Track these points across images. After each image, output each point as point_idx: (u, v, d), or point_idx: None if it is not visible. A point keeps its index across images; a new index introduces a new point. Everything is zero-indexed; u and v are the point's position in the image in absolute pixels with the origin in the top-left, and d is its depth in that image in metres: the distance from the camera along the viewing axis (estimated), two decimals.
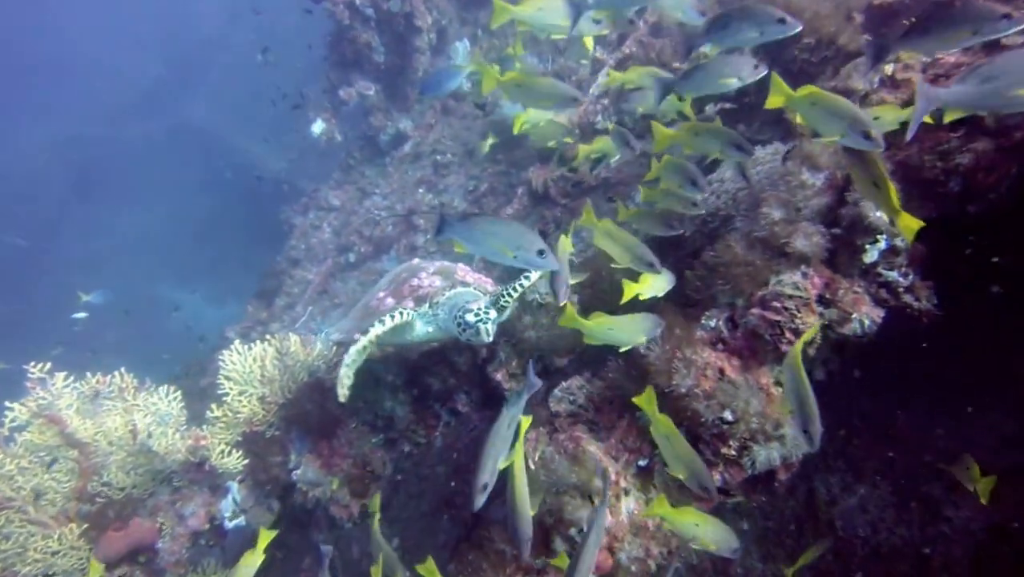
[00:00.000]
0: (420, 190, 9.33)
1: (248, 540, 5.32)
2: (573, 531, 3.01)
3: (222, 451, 4.56)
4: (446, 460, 6.30)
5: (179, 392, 4.81)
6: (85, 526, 4.54)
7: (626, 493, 3.25)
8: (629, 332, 3.19)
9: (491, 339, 3.66)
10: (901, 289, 3.50)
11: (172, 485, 4.82)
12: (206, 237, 21.57)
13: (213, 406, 4.63)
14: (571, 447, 3.36)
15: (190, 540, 4.79)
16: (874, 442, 4.86)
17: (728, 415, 3.06)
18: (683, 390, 3.08)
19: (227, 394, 4.69)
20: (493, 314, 3.70)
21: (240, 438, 4.72)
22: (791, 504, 4.96)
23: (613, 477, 3.17)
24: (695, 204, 3.62)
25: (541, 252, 2.96)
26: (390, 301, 4.17)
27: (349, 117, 10.34)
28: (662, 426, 2.87)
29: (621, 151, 4.74)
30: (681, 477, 2.89)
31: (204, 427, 4.74)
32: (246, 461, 4.64)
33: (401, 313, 3.96)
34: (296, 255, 10.21)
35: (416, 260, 4.76)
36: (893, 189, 2.83)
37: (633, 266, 3.50)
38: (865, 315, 3.41)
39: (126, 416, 4.56)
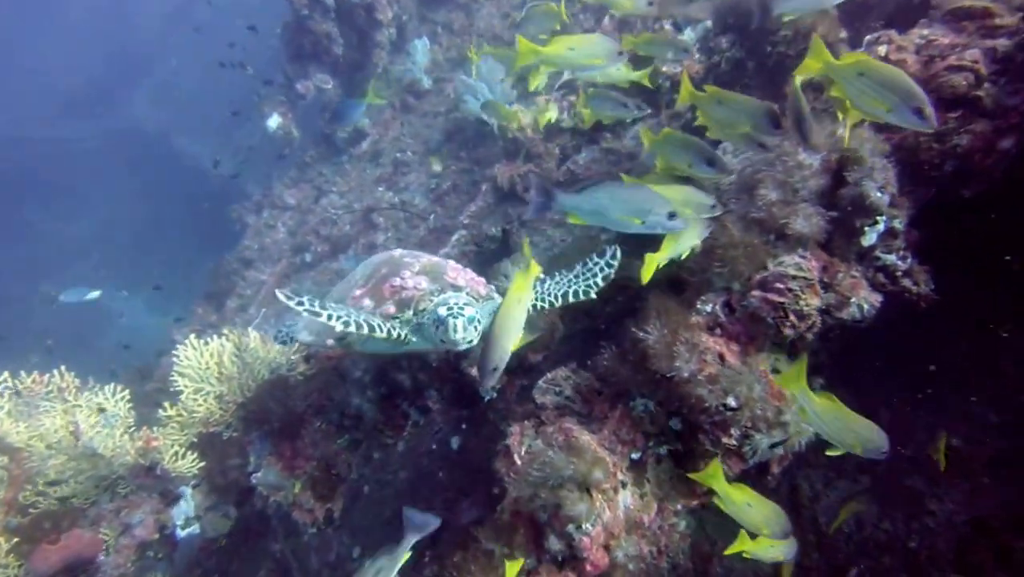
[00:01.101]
0: (380, 188, 9.03)
1: (201, 546, 4.93)
2: (571, 528, 2.79)
3: (175, 453, 4.19)
4: (409, 465, 6.02)
5: (127, 391, 4.40)
6: (15, 540, 4.08)
7: (623, 486, 3.05)
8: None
9: (462, 338, 3.05)
10: (899, 273, 3.43)
11: (117, 492, 4.40)
12: (149, 242, 20.67)
13: (166, 404, 4.25)
14: (562, 439, 3.14)
15: (137, 552, 4.37)
16: None
17: (732, 401, 2.91)
18: (686, 375, 2.91)
19: (181, 392, 4.31)
20: (470, 311, 3.11)
21: (195, 439, 4.35)
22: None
23: (611, 469, 2.97)
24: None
25: (672, 215, 2.73)
26: (368, 303, 3.58)
27: (306, 112, 9.96)
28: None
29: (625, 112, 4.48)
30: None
31: (156, 429, 4.36)
32: (202, 464, 4.27)
33: (391, 329, 3.31)
34: (249, 255, 9.76)
35: (397, 251, 4.05)
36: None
37: (693, 170, 3.25)
38: (864, 299, 3.32)
39: (67, 417, 4.14)
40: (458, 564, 2.95)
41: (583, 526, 2.78)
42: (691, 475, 3.04)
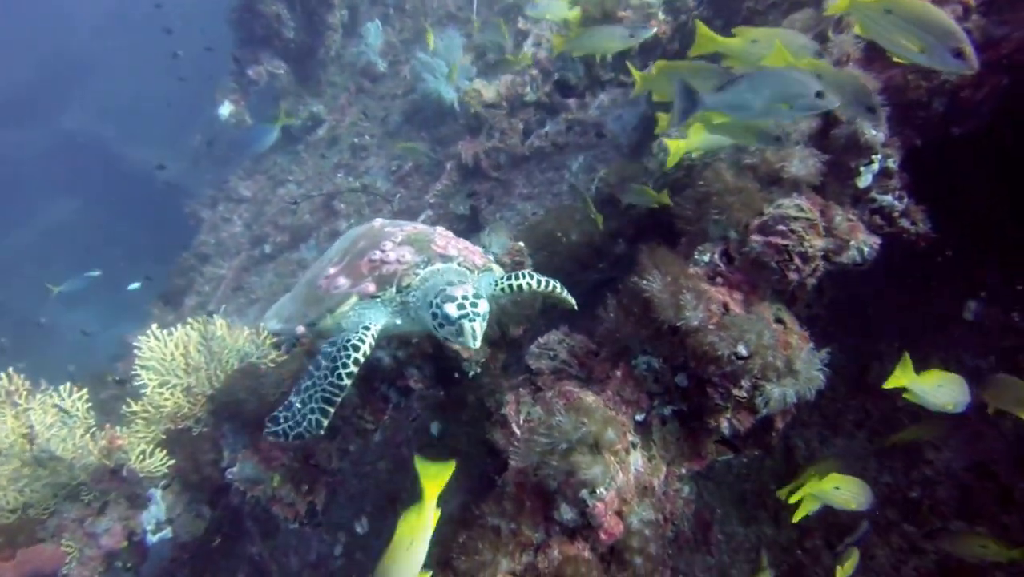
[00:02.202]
0: (339, 174, 8.72)
1: (174, 554, 4.61)
2: (585, 493, 2.61)
3: (143, 452, 3.88)
4: (388, 455, 5.79)
5: (84, 389, 4.07)
6: None
7: (634, 447, 2.89)
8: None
9: (479, 343, 2.71)
10: (896, 214, 3.35)
11: (80, 499, 4.06)
12: (96, 251, 19.78)
13: (130, 400, 3.93)
14: (563, 403, 2.96)
15: (103, 563, 4.05)
16: (848, 394, 4.76)
17: (742, 349, 2.76)
18: (695, 323, 2.76)
19: (145, 387, 4.00)
20: (484, 307, 2.73)
21: (163, 436, 4.04)
22: (768, 464, 4.78)
23: (623, 428, 2.80)
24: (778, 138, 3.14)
25: (820, 94, 2.52)
26: (343, 282, 3.16)
27: (260, 99, 9.56)
28: None
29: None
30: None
31: (121, 429, 4.04)
32: (171, 462, 3.97)
33: (361, 342, 2.95)
34: (206, 251, 9.33)
35: (378, 221, 3.55)
36: None
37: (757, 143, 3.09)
38: (863, 242, 3.22)
39: (18, 420, 3.79)
40: (465, 545, 2.74)
41: (598, 491, 2.60)
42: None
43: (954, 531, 3.82)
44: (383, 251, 3.15)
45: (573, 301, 3.45)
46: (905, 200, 3.34)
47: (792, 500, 3.33)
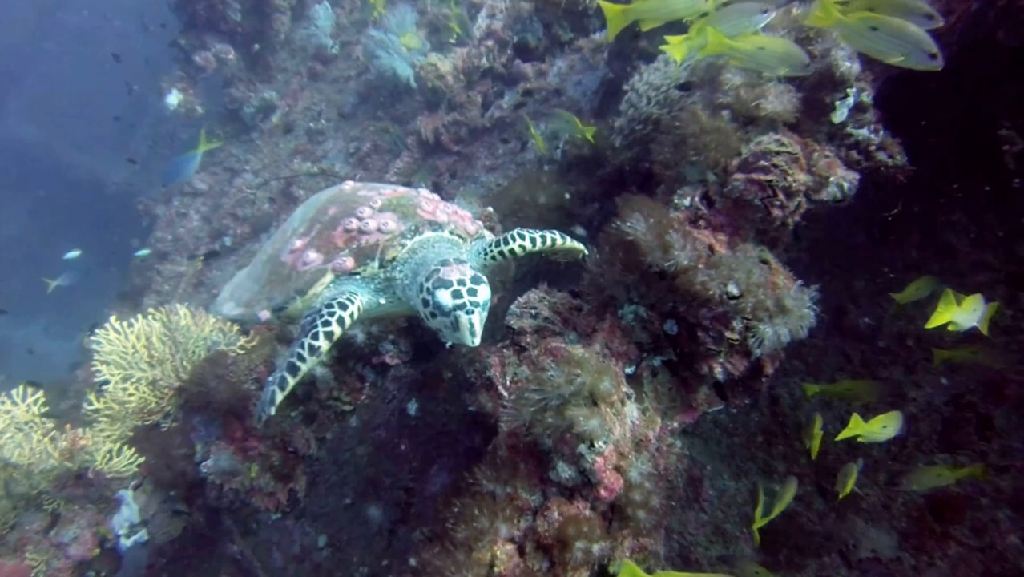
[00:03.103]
0: (296, 161, 8.46)
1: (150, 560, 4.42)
2: (583, 448, 2.51)
3: (109, 452, 3.67)
4: (367, 439, 5.65)
5: (40, 391, 3.82)
6: None
7: (628, 398, 2.80)
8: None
9: (478, 340, 2.37)
10: (873, 147, 3.30)
11: (43, 509, 3.83)
12: (44, 261, 19.00)
13: (92, 397, 3.71)
14: (550, 360, 2.85)
15: (74, 574, 3.83)
16: (828, 339, 4.76)
17: (733, 288, 2.68)
18: (685, 262, 2.66)
19: (107, 382, 3.77)
20: (484, 294, 2.38)
21: (131, 434, 3.83)
22: (755, 416, 4.76)
23: (617, 378, 2.71)
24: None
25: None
26: (314, 257, 2.72)
27: (209, 86, 9.18)
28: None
29: None
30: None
31: (84, 430, 3.81)
32: (141, 460, 3.77)
33: (349, 302, 2.61)
34: (163, 248, 8.97)
35: (348, 184, 3.13)
36: None
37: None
38: (842, 178, 3.17)
39: None
40: (461, 513, 2.62)
41: (596, 445, 2.50)
42: None
43: (912, 470, 3.85)
44: (360, 218, 2.75)
45: (582, 247, 3.17)
46: (881, 133, 3.30)
47: (841, 436, 3.41)
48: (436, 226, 2.77)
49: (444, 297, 2.35)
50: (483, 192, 6.60)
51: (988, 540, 3.85)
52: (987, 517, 3.89)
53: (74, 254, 9.68)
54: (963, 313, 3.18)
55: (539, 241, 2.96)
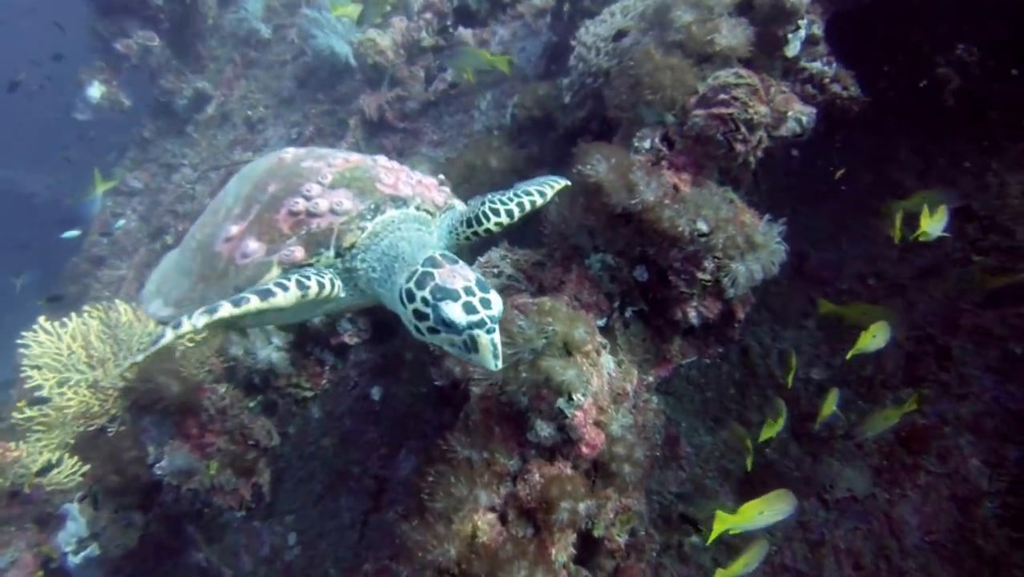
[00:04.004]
0: (236, 151, 8.09)
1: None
2: (562, 402, 2.38)
3: (47, 463, 3.39)
4: (331, 430, 5.46)
5: None
6: None
7: (604, 348, 2.68)
8: None
9: (502, 362, 1.98)
10: (827, 80, 3.25)
11: None
12: None
13: (20, 404, 3.41)
14: (518, 315, 2.71)
15: None
16: (791, 285, 4.75)
17: (703, 225, 2.59)
18: (652, 199, 2.55)
19: (40, 388, 3.48)
20: (498, 303, 2.01)
21: (72, 441, 3.55)
22: (726, 369, 4.73)
23: (591, 326, 2.59)
24: None
25: None
26: (255, 247, 2.29)
27: (133, 77, 8.66)
28: None
29: None
30: None
31: (15, 443, 3.52)
32: (87, 469, 3.50)
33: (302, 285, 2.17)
34: (99, 252, 8.48)
35: (289, 151, 2.68)
36: None
37: None
38: (799, 112, 3.10)
39: None
40: (436, 483, 2.46)
41: (575, 397, 2.38)
42: None
43: (862, 420, 3.85)
44: (308, 197, 2.32)
45: (565, 182, 2.73)
46: (834, 65, 3.25)
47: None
48: (400, 202, 2.37)
49: (454, 312, 1.94)
50: (432, 168, 6.42)
51: (953, 465, 3.90)
52: (951, 444, 3.94)
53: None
54: (937, 224, 3.19)
55: (517, 212, 2.54)
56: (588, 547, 2.77)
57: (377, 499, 4.85)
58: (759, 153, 2.97)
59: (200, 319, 1.97)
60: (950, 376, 4.05)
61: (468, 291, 1.98)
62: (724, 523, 2.90)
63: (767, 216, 2.83)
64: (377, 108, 6.77)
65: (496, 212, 2.52)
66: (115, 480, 3.56)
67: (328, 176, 2.40)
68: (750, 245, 2.72)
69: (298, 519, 5.12)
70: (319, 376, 4.01)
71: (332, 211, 2.29)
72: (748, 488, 4.34)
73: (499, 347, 1.97)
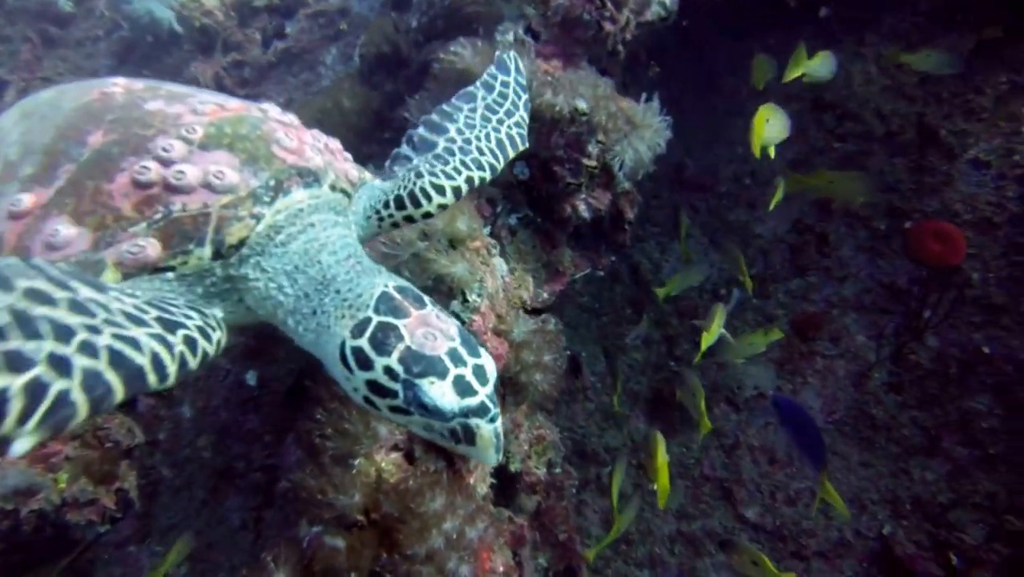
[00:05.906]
0: None
1: None
2: (456, 304, 2.11)
3: None
4: (206, 428, 4.93)
5: None
6: None
7: (495, 248, 2.43)
8: None
9: (501, 456, 1.40)
10: None
11: None
12: None
13: None
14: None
15: None
16: (670, 193, 4.73)
17: (582, 103, 2.38)
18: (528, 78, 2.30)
19: None
20: (491, 369, 1.39)
21: None
22: (619, 289, 4.65)
23: (473, 218, 2.32)
24: None
25: None
26: (69, 233, 1.37)
27: None
28: None
29: None
30: None
31: None
32: None
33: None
34: None
35: (120, 81, 1.72)
36: None
37: None
38: None
39: None
40: (327, 422, 2.12)
41: (469, 298, 2.11)
42: None
43: (727, 346, 3.83)
44: (166, 161, 1.45)
45: (524, 146, 2.10)
46: None
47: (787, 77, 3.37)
48: (310, 177, 1.59)
49: (443, 396, 1.30)
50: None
51: (844, 345, 4.01)
52: (839, 325, 4.06)
53: None
54: (816, 64, 3.26)
55: (466, 188, 1.89)
56: (506, 489, 2.56)
57: (268, 492, 4.40)
58: (627, 36, 2.80)
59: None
60: (831, 261, 4.17)
61: (455, 357, 1.34)
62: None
63: (643, 95, 2.67)
64: (213, 76, 6.12)
65: (440, 190, 1.84)
66: None
67: (198, 130, 1.52)
68: (632, 124, 2.55)
69: (181, 533, 4.58)
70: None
71: (207, 185, 1.44)
72: (655, 406, 4.30)
73: (502, 439, 1.37)
